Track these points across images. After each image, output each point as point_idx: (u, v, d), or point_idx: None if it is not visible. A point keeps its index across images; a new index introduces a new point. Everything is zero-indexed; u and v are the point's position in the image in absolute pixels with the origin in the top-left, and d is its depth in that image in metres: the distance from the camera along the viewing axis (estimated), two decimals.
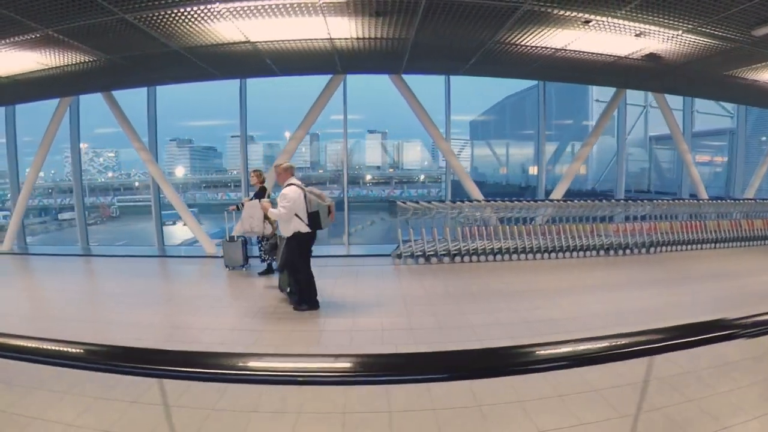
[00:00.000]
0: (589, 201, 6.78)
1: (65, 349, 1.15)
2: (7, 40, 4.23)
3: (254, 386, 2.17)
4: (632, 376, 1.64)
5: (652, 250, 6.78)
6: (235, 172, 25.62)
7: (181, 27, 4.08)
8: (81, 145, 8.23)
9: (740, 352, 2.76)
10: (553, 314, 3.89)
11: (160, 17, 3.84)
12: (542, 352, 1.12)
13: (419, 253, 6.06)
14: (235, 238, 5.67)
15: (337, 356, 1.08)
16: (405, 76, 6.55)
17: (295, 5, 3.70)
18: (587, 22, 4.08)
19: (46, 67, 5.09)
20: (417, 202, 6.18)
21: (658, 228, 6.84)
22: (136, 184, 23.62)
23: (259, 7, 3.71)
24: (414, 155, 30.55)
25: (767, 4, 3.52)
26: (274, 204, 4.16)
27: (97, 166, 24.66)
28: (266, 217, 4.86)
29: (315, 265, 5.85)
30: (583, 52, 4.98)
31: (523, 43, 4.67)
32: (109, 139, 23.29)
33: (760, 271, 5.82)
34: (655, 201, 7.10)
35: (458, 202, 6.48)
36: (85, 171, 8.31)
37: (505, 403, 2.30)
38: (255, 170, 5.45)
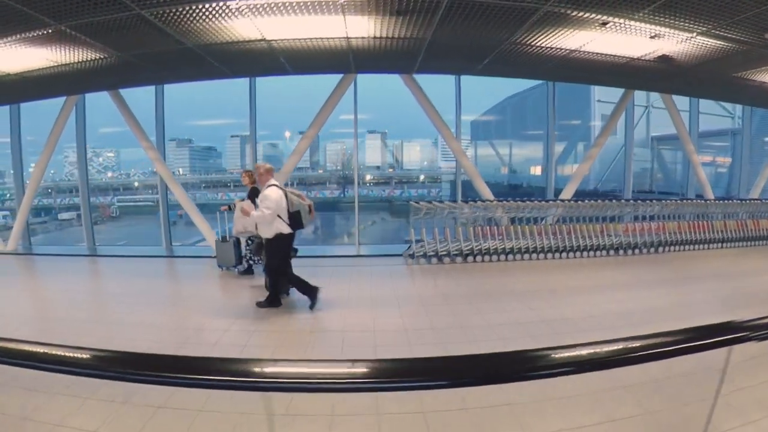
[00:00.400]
0: (599, 201, 6.81)
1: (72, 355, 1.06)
2: (18, 36, 4.16)
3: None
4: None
5: (660, 249, 6.82)
6: (234, 172, 25.49)
7: (198, 24, 4.04)
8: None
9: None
10: (569, 313, 3.91)
11: (178, 14, 3.80)
12: (581, 352, 1.07)
13: (432, 253, 6.06)
14: (228, 238, 5.66)
15: (373, 361, 1.00)
16: (414, 76, 6.54)
17: (316, 3, 3.67)
18: (605, 23, 4.10)
19: (56, 64, 5.02)
20: (430, 202, 6.18)
21: (666, 228, 6.89)
22: (136, 184, 23.44)
23: (279, 4, 3.68)
24: (414, 156, 30.61)
25: None
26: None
27: (96, 166, 24.44)
28: None
29: (326, 265, 5.92)
30: (597, 53, 5.00)
31: (538, 44, 4.68)
32: (109, 139, 23.13)
33: (766, 270, 5.88)
34: (663, 201, 7.15)
35: (470, 202, 6.49)
36: (78, 171, 8.23)
37: (540, 401, 2.30)
38: (246, 170, 5.44)
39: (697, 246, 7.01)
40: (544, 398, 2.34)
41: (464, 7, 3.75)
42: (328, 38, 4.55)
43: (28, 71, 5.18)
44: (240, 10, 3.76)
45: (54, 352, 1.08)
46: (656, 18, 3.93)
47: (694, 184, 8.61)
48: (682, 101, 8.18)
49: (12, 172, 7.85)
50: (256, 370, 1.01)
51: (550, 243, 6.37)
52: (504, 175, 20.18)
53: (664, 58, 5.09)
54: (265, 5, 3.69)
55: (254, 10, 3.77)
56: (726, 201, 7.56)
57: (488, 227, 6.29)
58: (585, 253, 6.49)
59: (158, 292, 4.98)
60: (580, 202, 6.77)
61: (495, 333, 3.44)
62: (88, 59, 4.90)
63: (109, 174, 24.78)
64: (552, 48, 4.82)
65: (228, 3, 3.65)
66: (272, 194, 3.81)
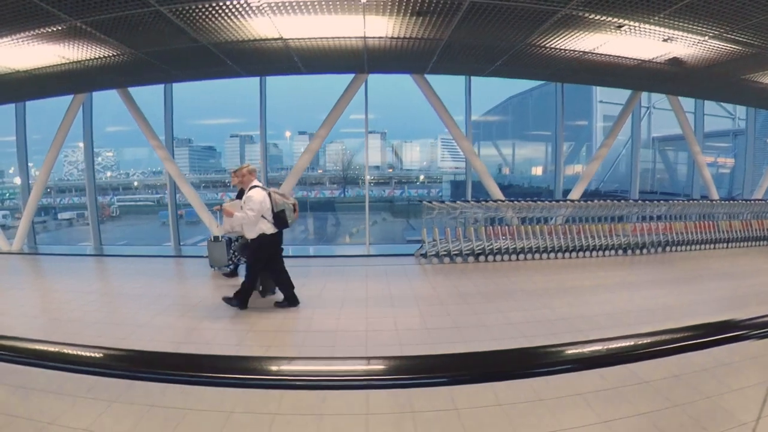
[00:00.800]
0: (608, 201, 6.87)
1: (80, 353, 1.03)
2: (31, 32, 4.11)
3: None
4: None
5: (667, 249, 6.90)
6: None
7: (216, 21, 4.02)
8: (79, 144, 8.09)
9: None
10: (586, 311, 3.96)
11: (197, 11, 3.78)
12: (612, 346, 1.03)
13: (444, 253, 6.08)
14: (220, 238, 5.63)
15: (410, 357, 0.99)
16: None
17: (337, 2, 3.68)
18: (620, 26, 4.14)
19: (67, 61, 4.97)
20: (443, 202, 6.20)
21: (672, 228, 6.96)
22: (135, 184, 23.27)
23: (301, 3, 3.68)
24: (413, 156, 30.63)
25: None
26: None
27: (96, 165, 24.15)
28: None
29: (337, 265, 5.91)
30: (609, 55, 5.04)
31: (552, 45, 4.71)
32: (109, 138, 22.94)
33: None
34: (670, 201, 7.23)
35: (482, 202, 6.52)
36: (84, 171, 8.19)
37: (568, 396, 2.33)
38: (235, 171, 5.42)
39: (703, 246, 7.09)
40: (573, 392, 2.37)
41: (484, 9, 3.77)
42: (345, 38, 4.55)
43: (37, 68, 5.12)
44: (260, 8, 3.75)
45: (79, 353, 1.04)
46: (671, 21, 3.98)
47: (700, 185, 8.69)
48: (687, 102, 8.27)
49: (12, 171, 7.76)
50: (273, 368, 1.01)
51: (560, 243, 6.42)
52: (505, 175, 20.25)
53: (674, 61, 5.14)
54: (287, 3, 3.68)
55: (274, 8, 3.76)
56: (731, 201, 7.66)
57: (499, 227, 6.33)
58: (594, 253, 6.54)
59: (158, 292, 4.92)
60: (589, 202, 6.82)
61: (517, 331, 3.46)
62: (100, 56, 4.86)
63: (108, 174, 24.57)
64: (565, 50, 4.86)
65: (249, 0, 3.64)
66: (256, 196, 3.84)
